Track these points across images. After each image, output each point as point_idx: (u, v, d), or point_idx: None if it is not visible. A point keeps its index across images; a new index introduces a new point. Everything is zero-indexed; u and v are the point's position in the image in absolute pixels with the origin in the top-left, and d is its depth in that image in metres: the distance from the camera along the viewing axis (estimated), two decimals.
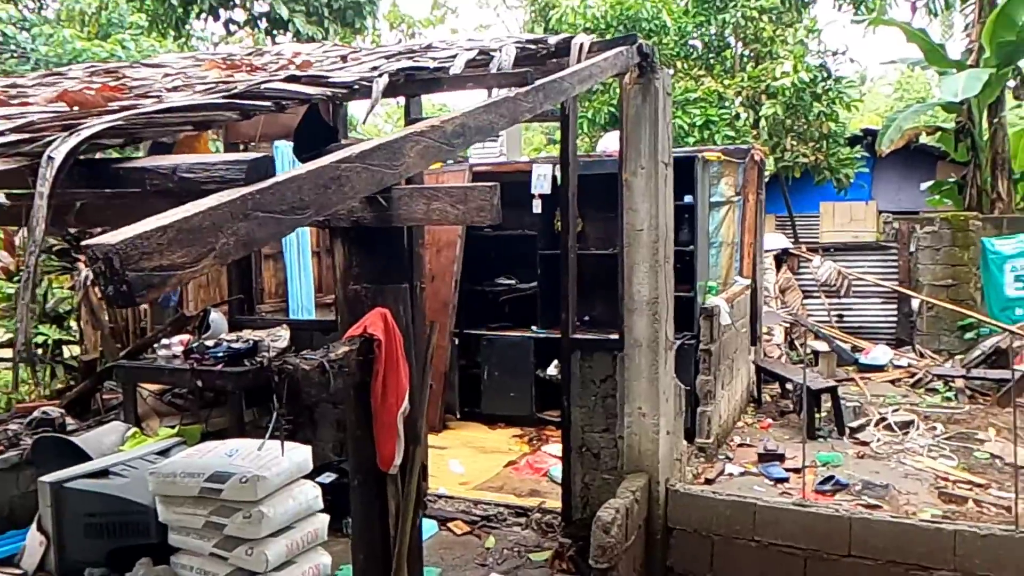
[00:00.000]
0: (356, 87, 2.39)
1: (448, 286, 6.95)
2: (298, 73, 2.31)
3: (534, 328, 7.07)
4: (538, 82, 2.72)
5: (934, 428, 6.92)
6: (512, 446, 6.46)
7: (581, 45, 3.78)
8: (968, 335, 10.48)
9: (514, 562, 4.28)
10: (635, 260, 4.25)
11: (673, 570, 4.17)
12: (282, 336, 5.14)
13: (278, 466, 3.55)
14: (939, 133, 13.77)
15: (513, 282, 7.41)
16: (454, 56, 2.94)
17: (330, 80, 2.32)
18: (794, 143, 12.64)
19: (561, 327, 4.62)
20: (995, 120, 12.12)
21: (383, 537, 2.36)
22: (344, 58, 2.91)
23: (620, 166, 4.30)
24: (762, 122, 12.41)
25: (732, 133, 12.20)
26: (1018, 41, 11.11)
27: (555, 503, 4.81)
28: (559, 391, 4.74)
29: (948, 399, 8.41)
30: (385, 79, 2.45)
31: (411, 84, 2.72)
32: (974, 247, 10.78)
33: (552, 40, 3.79)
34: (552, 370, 6.66)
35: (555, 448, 5.61)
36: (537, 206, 6.67)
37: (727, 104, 12.43)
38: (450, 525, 4.73)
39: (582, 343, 4.59)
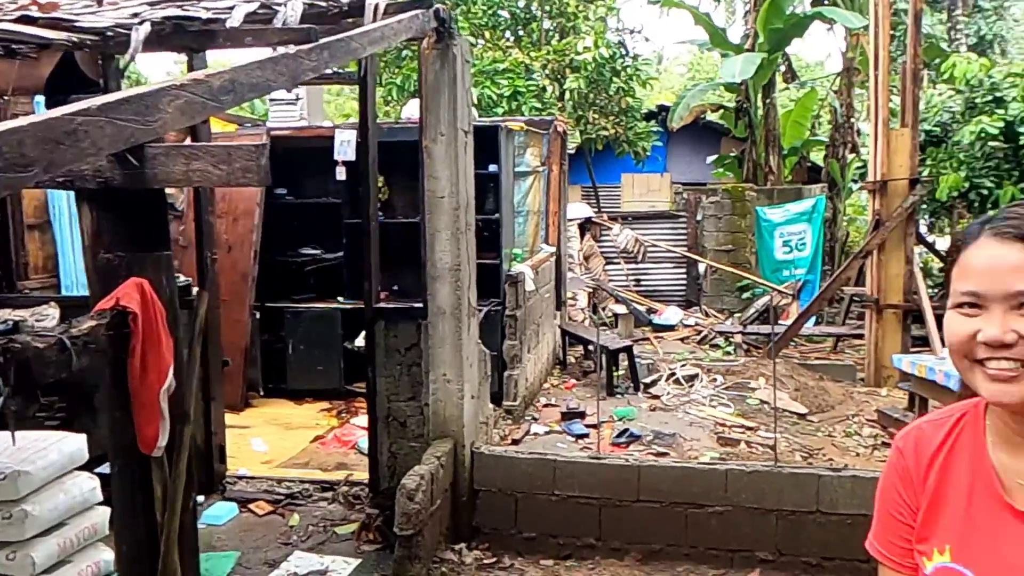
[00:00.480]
0: (111, 35, 2.14)
1: (247, 257, 6.59)
2: (35, 14, 2.02)
3: (341, 299, 6.90)
4: (323, 40, 2.60)
5: (715, 380, 7.62)
6: (320, 420, 6.31)
7: (376, 5, 3.67)
8: (745, 295, 11.63)
9: (319, 538, 4.19)
10: (437, 227, 4.25)
11: (480, 530, 4.28)
12: (50, 315, 4.61)
13: (44, 459, 3.19)
14: (722, 111, 15.03)
15: (318, 252, 7.17)
16: (232, 8, 2.73)
17: (77, 24, 2.06)
18: (596, 116, 13.23)
19: (364, 297, 4.54)
20: (768, 101, 13.40)
21: (148, 525, 2.19)
22: (100, 1, 2.61)
23: (420, 133, 4.26)
24: (567, 95, 12.86)
25: (539, 105, 12.53)
26: (785, 29, 12.33)
27: (363, 475, 4.76)
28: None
29: (728, 353, 9.31)
30: (147, 27, 2.22)
31: (181, 36, 2.49)
32: (750, 215, 11.93)
33: None
34: (360, 341, 6.52)
35: (364, 420, 5.54)
36: (341, 173, 6.47)
37: (534, 76, 12.74)
38: (251, 506, 4.54)
39: (386, 312, 4.54)
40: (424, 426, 4.43)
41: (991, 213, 1.08)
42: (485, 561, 3.99)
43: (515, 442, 5.83)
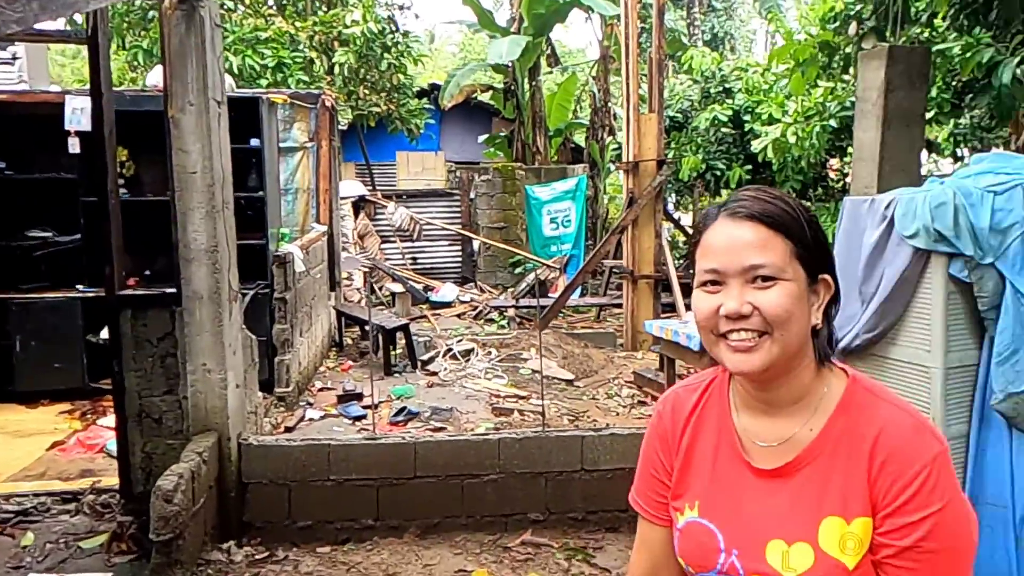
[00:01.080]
0: None
1: None
2: None
3: (80, 287, 6.14)
4: None
5: (490, 353, 7.87)
6: (59, 424, 5.59)
7: None
8: (517, 270, 12.13)
9: (60, 555, 3.72)
10: (189, 206, 3.91)
11: (251, 525, 4.06)
12: None
13: None
14: (492, 92, 15.44)
15: (50, 234, 6.31)
16: None
17: None
18: (367, 93, 12.98)
19: (106, 284, 4.06)
20: (534, 83, 13.98)
21: None
22: None
23: (165, 102, 3.87)
24: (336, 69, 12.46)
25: (307, 78, 12.02)
26: (548, 14, 12.89)
27: (113, 480, 4.29)
28: None
29: (502, 327, 9.66)
30: None
31: None
32: (520, 194, 12.41)
33: None
34: (106, 333, 5.88)
35: (113, 420, 4.99)
36: (75, 145, 5.68)
37: (300, 47, 12.18)
38: None
39: (133, 299, 4.10)
40: (183, 421, 4.08)
41: (726, 196, 1.17)
42: (257, 557, 3.79)
43: (288, 430, 5.60)
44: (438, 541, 3.95)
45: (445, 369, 7.42)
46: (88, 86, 4.00)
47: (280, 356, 6.10)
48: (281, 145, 6.92)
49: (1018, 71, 4.15)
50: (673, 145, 10.15)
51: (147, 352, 4.08)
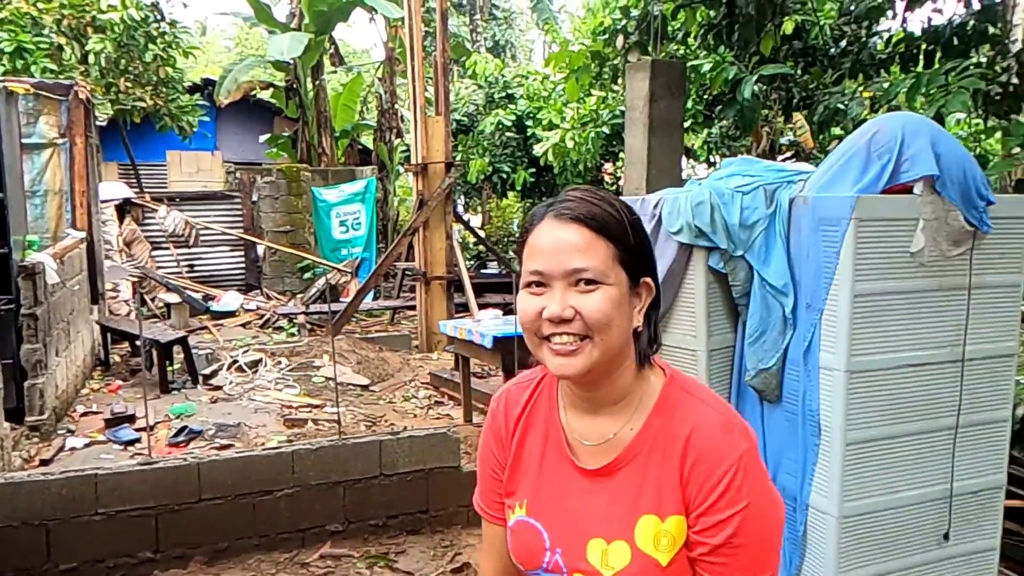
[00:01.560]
0: None
1: None
2: None
3: None
4: None
5: (280, 363, 7.51)
6: None
7: None
8: (307, 275, 11.71)
9: None
10: None
11: (1, 574, 3.53)
12: None
13: None
14: (273, 89, 14.75)
15: None
16: None
17: None
18: (130, 85, 11.86)
19: None
20: (317, 83, 13.56)
21: None
22: None
23: None
24: (91, 58, 11.24)
25: (55, 66, 10.72)
26: (330, 12, 12.57)
27: None
28: None
29: (292, 334, 9.27)
30: None
31: None
32: (306, 196, 11.99)
33: None
34: None
35: None
36: None
37: (45, 32, 10.83)
38: None
39: None
40: None
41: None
42: None
43: (44, 462, 4.95)
44: (229, 566, 3.70)
45: (230, 383, 6.97)
46: None
47: (31, 380, 5.38)
48: (24, 141, 6.12)
49: (756, 88, 4.71)
50: (461, 148, 10.35)
51: None
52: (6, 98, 5.50)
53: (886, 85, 4.53)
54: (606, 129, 7.98)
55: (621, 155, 9.29)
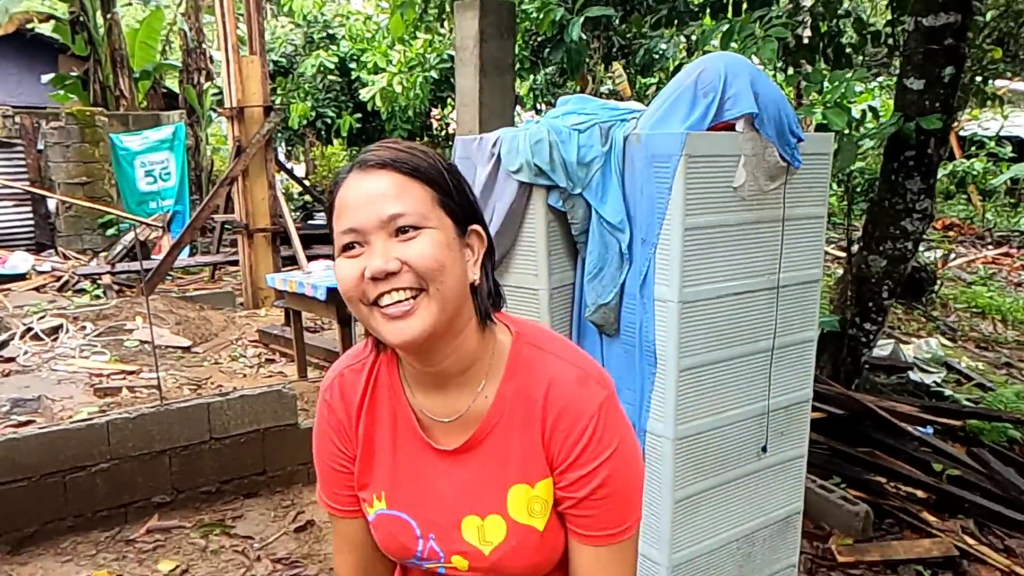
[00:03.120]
0: None
1: None
2: None
3: None
4: None
5: (84, 328, 6.82)
6: None
7: None
8: (110, 231, 10.66)
9: None
10: None
11: None
12: None
13: None
14: (55, 23, 13.06)
15: None
16: None
17: None
18: None
19: None
20: (109, 16, 12.17)
21: None
22: None
23: None
24: None
25: None
26: None
27: None
28: None
29: (97, 297, 8.44)
30: None
31: None
32: (104, 143, 10.84)
33: None
34: None
35: None
36: None
37: None
38: None
39: None
40: None
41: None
42: None
43: None
44: (39, 553, 3.35)
45: (25, 353, 6.23)
46: None
47: None
48: None
49: (584, 33, 4.78)
50: (280, 91, 9.75)
51: None
52: None
53: (701, 32, 4.76)
54: (434, 74, 7.82)
55: (450, 101, 9.17)
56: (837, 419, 4.07)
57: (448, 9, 6.99)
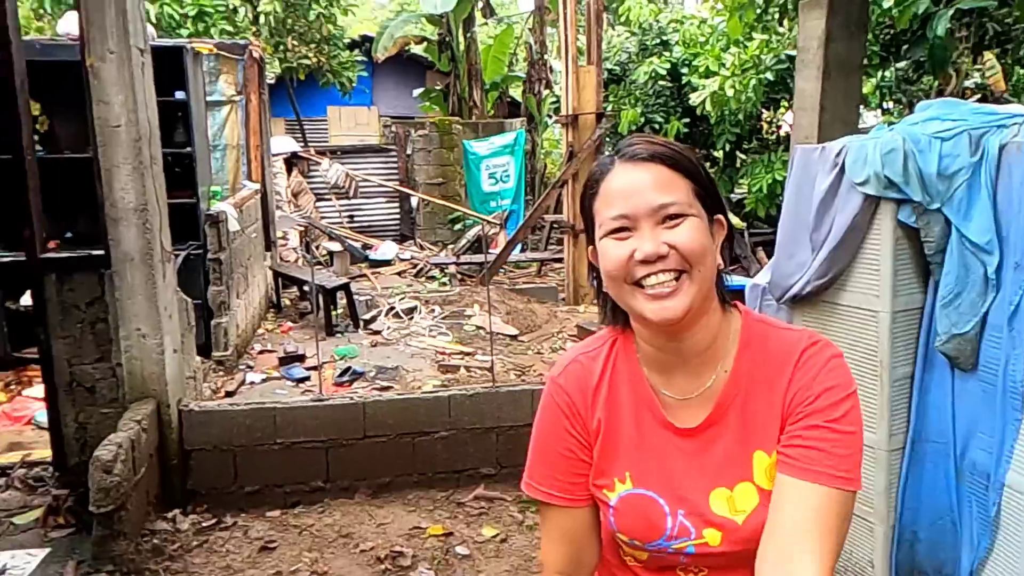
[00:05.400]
0: None
1: None
2: None
3: None
4: None
5: (433, 311, 7.80)
6: None
7: None
8: (457, 226, 12.00)
9: None
10: (114, 162, 3.68)
11: (196, 492, 3.95)
12: None
13: None
14: (426, 44, 15.05)
15: None
16: None
17: None
18: (296, 44, 12.49)
19: (26, 246, 3.82)
20: (468, 35, 13.68)
21: None
22: None
23: (82, 50, 3.60)
24: (262, 19, 11.93)
25: (231, 28, 11.47)
26: None
27: (45, 452, 4.11)
28: None
29: (444, 284, 9.58)
30: None
31: None
32: (457, 149, 12.23)
33: None
34: (28, 299, 5.57)
35: (40, 390, 4.75)
36: None
37: None
38: None
39: (57, 263, 3.87)
40: (119, 389, 3.91)
41: (618, 147, 1.15)
42: (204, 524, 3.69)
43: (229, 394, 5.44)
44: (391, 500, 3.92)
45: (388, 328, 7.33)
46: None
47: (217, 319, 5.90)
48: (208, 99, 6.59)
49: (951, 23, 4.24)
50: (612, 98, 10.11)
51: (75, 318, 3.87)
52: (194, 58, 5.93)
53: None
54: (769, 75, 7.50)
55: (783, 103, 8.73)
56: None
57: (791, 7, 6.66)
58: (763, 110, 9.24)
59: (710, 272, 1.08)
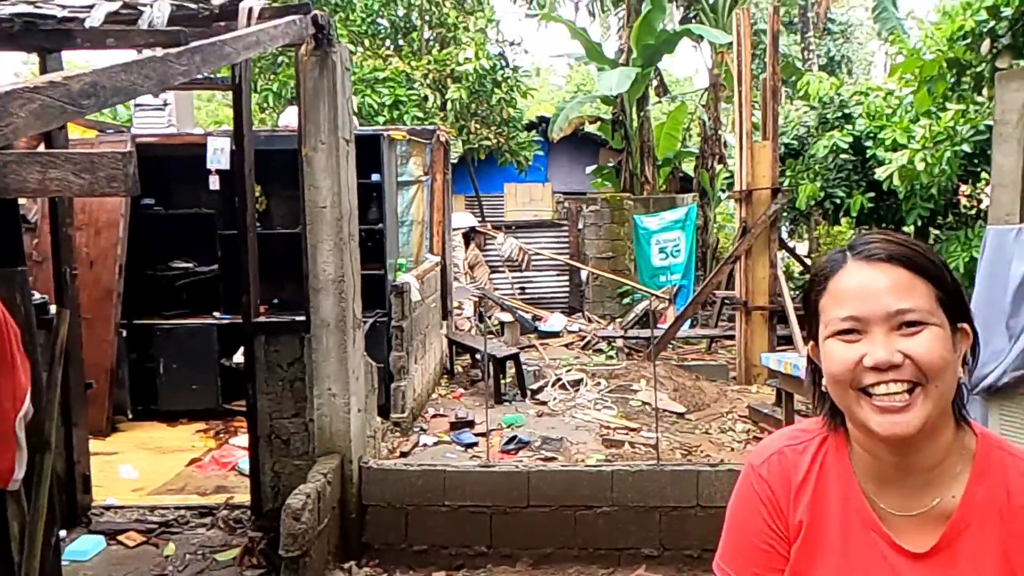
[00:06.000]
0: None
1: (111, 272, 6.17)
2: None
3: (216, 314, 6.59)
4: (194, 44, 2.48)
5: (599, 384, 7.83)
6: (196, 442, 5.98)
7: (250, 9, 3.55)
8: (625, 300, 12.03)
9: (198, 566, 3.97)
10: (319, 238, 4.15)
11: (370, 546, 4.19)
12: None
13: None
14: (599, 123, 15.52)
15: (191, 265, 6.82)
16: (91, 6, 2.56)
17: None
18: (478, 127, 13.34)
19: (243, 311, 4.36)
20: (642, 113, 13.96)
21: (5, 566, 1.99)
22: None
23: (299, 141, 4.14)
24: (448, 105, 12.90)
25: (421, 114, 12.50)
26: (657, 44, 12.88)
27: (244, 497, 4.55)
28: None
29: (611, 357, 9.59)
30: None
31: (33, 35, 2.31)
32: (628, 224, 12.36)
33: (217, 0, 3.50)
34: (239, 357, 6.26)
35: (244, 440, 5.30)
36: (215, 182, 6.18)
37: (415, 85, 12.70)
38: (121, 538, 4.24)
39: (266, 326, 4.38)
40: (309, 443, 4.29)
41: (845, 225, 1.12)
42: None
43: (404, 455, 5.76)
44: (551, 572, 3.95)
45: (554, 399, 7.44)
46: (223, 127, 4.34)
47: (396, 382, 6.30)
48: (399, 179, 7.21)
49: None
50: (788, 173, 9.85)
51: (278, 376, 4.32)
52: (389, 144, 6.56)
53: None
54: (966, 147, 7.01)
55: (983, 176, 8.09)
56: None
57: (987, 76, 6.26)
58: (960, 183, 8.60)
59: (949, 388, 1.00)
